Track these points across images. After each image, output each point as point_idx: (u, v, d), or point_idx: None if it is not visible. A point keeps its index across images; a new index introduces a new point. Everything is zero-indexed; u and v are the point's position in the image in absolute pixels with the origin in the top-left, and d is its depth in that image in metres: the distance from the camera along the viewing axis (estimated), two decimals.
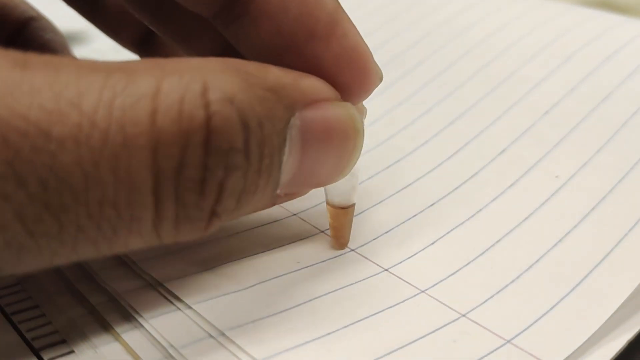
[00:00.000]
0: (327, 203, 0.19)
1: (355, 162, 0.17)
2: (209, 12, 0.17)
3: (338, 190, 0.19)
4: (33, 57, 0.12)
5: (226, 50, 0.19)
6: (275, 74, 0.14)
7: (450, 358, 0.16)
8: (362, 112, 0.18)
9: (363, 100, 0.18)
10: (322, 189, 0.19)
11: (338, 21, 0.16)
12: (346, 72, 0.17)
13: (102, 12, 0.25)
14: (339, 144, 0.16)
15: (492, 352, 0.16)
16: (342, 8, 0.17)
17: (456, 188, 0.22)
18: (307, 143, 0.15)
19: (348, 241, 0.20)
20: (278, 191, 0.15)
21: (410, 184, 0.22)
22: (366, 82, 0.17)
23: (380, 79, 0.18)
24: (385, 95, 0.27)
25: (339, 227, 0.19)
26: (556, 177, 0.21)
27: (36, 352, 0.16)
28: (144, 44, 0.27)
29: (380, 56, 0.19)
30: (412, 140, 0.24)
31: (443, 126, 0.25)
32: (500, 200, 0.21)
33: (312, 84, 0.15)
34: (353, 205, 0.19)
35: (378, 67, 0.18)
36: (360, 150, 0.17)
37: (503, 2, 0.30)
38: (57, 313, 0.17)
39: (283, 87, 0.14)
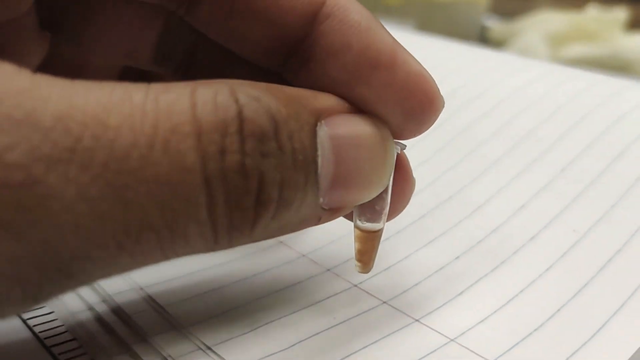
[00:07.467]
0: (355, 226, 0.19)
1: (390, 174, 0.18)
2: (278, 63, 0.19)
3: (368, 212, 0.19)
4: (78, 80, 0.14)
5: None
6: (294, 89, 0.16)
7: None
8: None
9: (432, 123, 0.18)
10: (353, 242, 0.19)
11: (397, 51, 0.17)
12: (413, 97, 0.17)
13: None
14: (369, 150, 0.17)
15: None
16: (397, 41, 0.18)
17: (480, 241, 0.23)
18: (339, 148, 0.16)
19: (372, 266, 0.20)
20: (320, 199, 0.16)
21: (435, 238, 0.24)
22: (433, 106, 0.18)
23: (443, 104, 0.18)
24: (408, 155, 0.28)
25: (365, 251, 0.20)
26: (574, 231, 0.23)
27: None
28: None
29: None
30: (436, 196, 0.26)
31: (466, 183, 0.26)
32: (522, 253, 0.22)
33: (330, 98, 0.17)
34: (381, 229, 0.19)
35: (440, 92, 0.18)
36: (393, 160, 0.18)
37: (517, 68, 0.32)
38: None
39: (304, 97, 0.16)
